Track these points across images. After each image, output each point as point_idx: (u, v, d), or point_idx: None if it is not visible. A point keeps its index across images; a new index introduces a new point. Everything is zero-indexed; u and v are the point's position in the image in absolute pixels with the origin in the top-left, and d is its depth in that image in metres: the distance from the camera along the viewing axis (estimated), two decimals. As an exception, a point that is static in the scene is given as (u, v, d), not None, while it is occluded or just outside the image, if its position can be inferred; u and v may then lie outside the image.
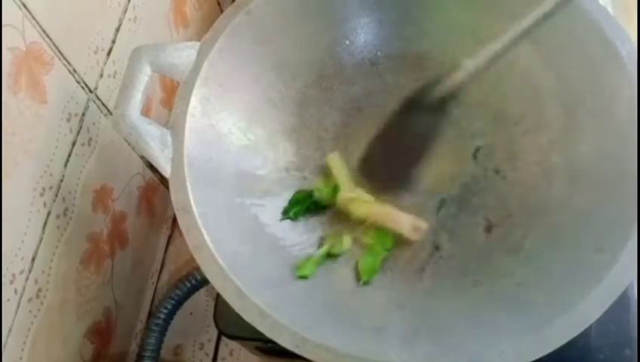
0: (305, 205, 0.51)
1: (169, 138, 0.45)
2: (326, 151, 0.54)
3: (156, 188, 0.70)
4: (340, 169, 0.51)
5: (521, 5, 0.45)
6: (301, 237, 0.50)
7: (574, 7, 0.45)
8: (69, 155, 0.51)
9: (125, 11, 0.57)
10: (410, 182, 0.51)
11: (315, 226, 0.51)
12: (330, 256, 0.48)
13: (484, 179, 0.50)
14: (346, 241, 0.49)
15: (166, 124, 0.46)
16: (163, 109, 0.68)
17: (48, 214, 0.48)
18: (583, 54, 0.46)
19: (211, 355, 0.65)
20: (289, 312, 0.40)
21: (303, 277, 0.46)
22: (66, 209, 0.51)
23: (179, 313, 0.65)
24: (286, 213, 0.50)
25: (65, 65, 0.49)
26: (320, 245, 0.49)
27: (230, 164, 0.49)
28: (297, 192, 0.51)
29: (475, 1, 0.51)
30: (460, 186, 0.51)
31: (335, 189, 0.51)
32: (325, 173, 0.53)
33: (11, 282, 0.44)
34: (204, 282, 0.64)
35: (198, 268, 0.58)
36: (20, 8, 0.43)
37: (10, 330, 0.45)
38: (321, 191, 0.51)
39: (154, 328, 0.62)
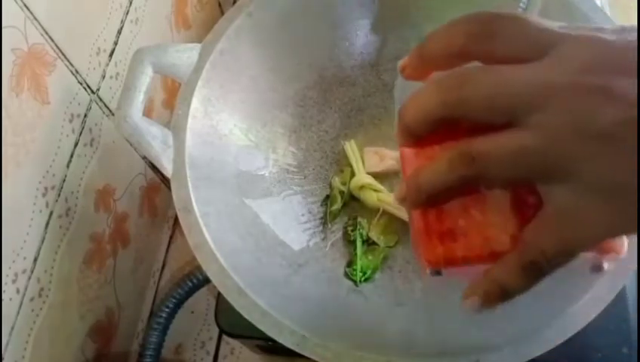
0: (340, 201, 0.52)
1: (171, 138, 0.45)
2: (327, 151, 0.54)
3: (158, 188, 0.70)
4: (357, 156, 0.53)
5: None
6: (302, 236, 0.50)
7: (571, 9, 0.45)
8: (72, 156, 0.51)
9: (127, 13, 0.57)
10: None
11: (315, 225, 0.51)
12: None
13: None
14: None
15: (168, 125, 0.46)
16: (165, 110, 0.68)
17: (50, 214, 0.49)
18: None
19: (212, 354, 0.65)
20: (290, 311, 0.41)
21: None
22: (69, 209, 0.51)
23: (180, 312, 0.65)
24: (332, 218, 0.52)
25: (67, 67, 0.49)
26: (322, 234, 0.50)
27: (231, 164, 0.49)
28: (325, 198, 0.53)
29: (474, 2, 0.51)
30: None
31: (351, 175, 0.52)
32: (338, 163, 0.54)
33: (14, 281, 0.45)
34: (205, 281, 0.64)
35: (199, 267, 0.58)
36: (21, 9, 0.43)
37: (12, 329, 0.45)
38: (341, 178, 0.53)
39: (155, 327, 0.62)
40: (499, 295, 0.26)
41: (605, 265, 0.29)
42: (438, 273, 0.30)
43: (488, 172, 0.23)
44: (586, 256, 0.28)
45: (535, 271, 0.25)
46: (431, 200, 0.26)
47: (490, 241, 0.27)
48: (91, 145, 0.54)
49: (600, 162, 0.21)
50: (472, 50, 0.25)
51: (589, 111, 0.21)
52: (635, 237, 0.38)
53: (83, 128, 0.52)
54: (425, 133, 0.25)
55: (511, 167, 0.23)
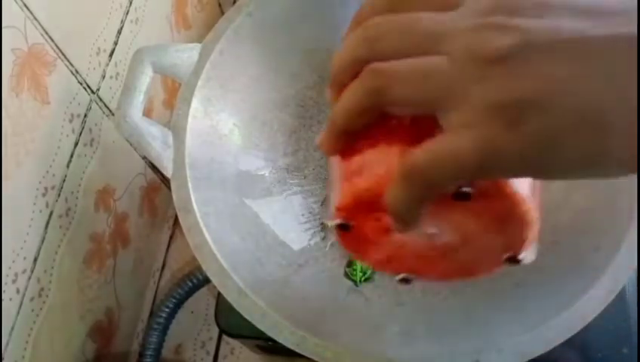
0: None
1: (170, 138, 0.45)
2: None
3: (158, 188, 0.70)
4: None
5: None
6: (302, 236, 0.50)
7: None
8: (72, 156, 0.51)
9: (127, 13, 0.57)
10: None
11: (315, 225, 0.51)
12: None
13: (483, 179, 0.51)
14: None
15: (168, 125, 0.46)
16: (165, 110, 0.68)
17: (50, 214, 0.49)
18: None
19: (212, 354, 0.65)
20: (290, 311, 0.41)
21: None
22: (69, 209, 0.51)
23: (180, 312, 0.65)
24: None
25: (67, 67, 0.49)
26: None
27: (231, 164, 0.49)
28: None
29: None
30: (458, 186, 0.51)
31: None
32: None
33: (14, 281, 0.45)
34: (205, 281, 0.64)
35: (199, 267, 0.58)
36: (22, 9, 0.43)
37: (12, 329, 0.45)
38: None
39: (155, 327, 0.62)
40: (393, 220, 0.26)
41: (521, 256, 0.29)
42: (345, 227, 0.29)
43: (393, 87, 0.25)
44: (502, 247, 0.28)
45: (412, 185, 0.24)
46: (346, 132, 0.27)
47: (394, 170, 0.26)
48: (91, 145, 0.54)
49: (489, 84, 0.23)
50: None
51: (486, 39, 0.23)
52: (635, 235, 0.39)
53: (83, 128, 0.52)
54: (348, 78, 0.27)
55: (413, 85, 0.24)
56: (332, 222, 0.29)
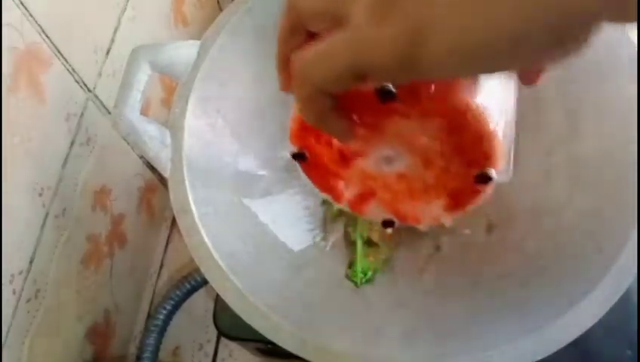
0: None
1: (168, 138, 0.45)
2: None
3: (156, 189, 0.69)
4: None
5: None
6: (302, 237, 0.50)
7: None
8: (68, 155, 0.51)
9: (124, 11, 0.57)
10: None
11: (315, 226, 0.51)
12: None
13: (485, 179, 0.50)
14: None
15: (166, 124, 0.46)
16: (163, 108, 0.68)
17: (47, 214, 0.48)
18: (582, 56, 0.46)
19: (211, 356, 0.65)
20: (289, 313, 0.40)
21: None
22: (65, 209, 0.51)
23: (178, 314, 0.64)
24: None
25: (64, 65, 0.49)
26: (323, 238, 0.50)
27: (230, 164, 0.49)
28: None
29: None
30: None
31: None
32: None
33: (10, 282, 0.44)
34: (203, 282, 0.63)
35: (197, 269, 0.57)
36: (18, 7, 0.43)
37: (9, 331, 0.44)
38: None
39: (153, 329, 0.62)
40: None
41: (492, 173, 0.28)
42: (301, 156, 0.32)
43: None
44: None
45: (300, 82, 0.27)
46: (287, 59, 0.30)
47: None
48: (88, 144, 0.53)
49: None
50: None
51: None
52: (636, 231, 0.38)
53: (79, 127, 0.52)
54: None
55: None
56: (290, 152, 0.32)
